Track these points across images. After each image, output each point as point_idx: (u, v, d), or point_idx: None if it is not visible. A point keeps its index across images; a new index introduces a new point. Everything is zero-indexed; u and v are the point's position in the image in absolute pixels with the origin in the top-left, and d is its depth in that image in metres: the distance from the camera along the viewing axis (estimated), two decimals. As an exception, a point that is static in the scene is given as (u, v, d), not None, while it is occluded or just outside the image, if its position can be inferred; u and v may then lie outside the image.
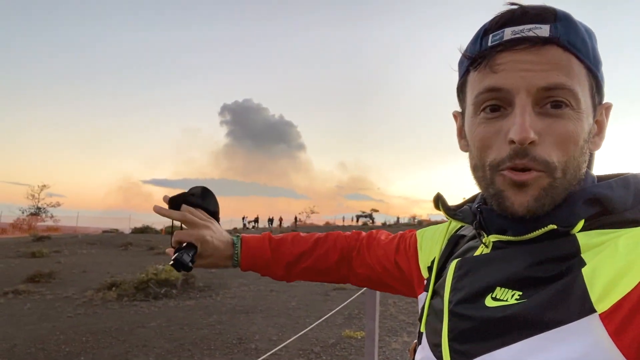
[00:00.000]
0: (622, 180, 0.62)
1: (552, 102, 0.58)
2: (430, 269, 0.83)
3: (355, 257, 1.06)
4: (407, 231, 1.02)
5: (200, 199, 0.98)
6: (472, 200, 0.79)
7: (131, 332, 6.20)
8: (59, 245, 17.50)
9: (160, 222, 31.98)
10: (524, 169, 0.58)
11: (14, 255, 14.84)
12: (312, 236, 1.09)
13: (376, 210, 72.52)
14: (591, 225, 0.59)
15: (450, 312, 0.64)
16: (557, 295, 0.53)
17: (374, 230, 1.10)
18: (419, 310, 0.79)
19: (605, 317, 0.48)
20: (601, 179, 0.66)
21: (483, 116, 0.62)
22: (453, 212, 0.75)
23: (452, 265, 0.69)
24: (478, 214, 0.69)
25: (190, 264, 0.90)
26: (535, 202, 0.58)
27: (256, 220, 53.95)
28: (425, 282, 0.85)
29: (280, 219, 58.10)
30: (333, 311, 4.16)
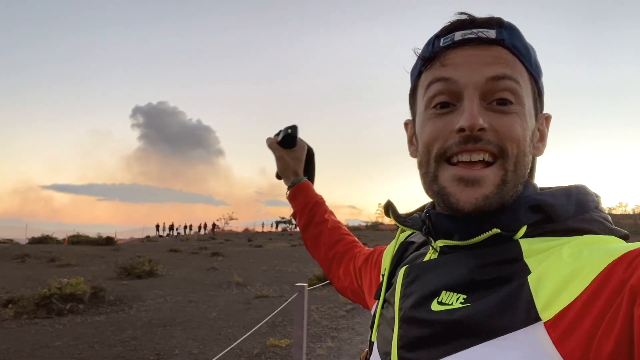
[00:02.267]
0: (564, 190, 0.64)
1: (498, 99, 0.61)
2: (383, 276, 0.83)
3: (345, 263, 1.11)
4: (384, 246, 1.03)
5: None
6: (422, 209, 0.80)
7: (33, 353, 5.62)
8: (-60, 259, 15.46)
9: (63, 231, 29.56)
10: (475, 160, 0.60)
11: None
12: (341, 226, 1.21)
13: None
14: (534, 232, 0.60)
15: (400, 319, 0.64)
16: (503, 303, 0.54)
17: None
18: (371, 318, 0.79)
19: (550, 326, 0.49)
20: (543, 190, 0.68)
21: (433, 112, 0.64)
22: (403, 219, 0.76)
23: (401, 272, 0.70)
24: (427, 220, 0.70)
25: (292, 137, 1.20)
26: (484, 201, 0.59)
27: (171, 228, 51.74)
28: (376, 290, 0.84)
29: (205, 225, 56.30)
30: (262, 322, 4.07)
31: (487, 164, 0.60)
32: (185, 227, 54.44)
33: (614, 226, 0.62)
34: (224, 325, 7.16)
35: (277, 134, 1.25)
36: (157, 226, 51.79)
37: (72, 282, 8.50)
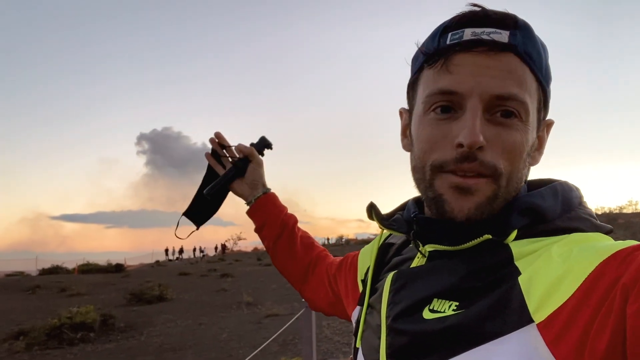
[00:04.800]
0: (551, 190, 0.63)
1: (502, 110, 0.58)
2: (364, 282, 0.81)
3: (318, 272, 1.07)
4: (356, 251, 1.00)
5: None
6: (402, 208, 0.78)
7: (44, 385, 5.61)
8: (-49, 295, 15.51)
9: (73, 261, 29.62)
10: (470, 175, 0.58)
11: None
12: (313, 244, 1.15)
13: (303, 233, 73.02)
14: (523, 235, 0.59)
15: (389, 327, 0.62)
16: (495, 306, 0.53)
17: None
18: (354, 325, 0.77)
19: (543, 327, 0.48)
20: (530, 184, 0.68)
21: (433, 116, 0.61)
22: (387, 222, 0.74)
23: (389, 279, 0.67)
24: (414, 224, 0.67)
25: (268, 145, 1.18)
26: (476, 210, 0.58)
27: (180, 251, 51.71)
28: (360, 296, 0.82)
29: (223, 246, 56.19)
30: (269, 340, 4.04)
31: (481, 175, 0.59)
32: (195, 249, 54.45)
33: (599, 222, 0.62)
34: (234, 346, 7.11)
35: (253, 144, 1.18)
36: (167, 250, 51.80)
37: (82, 311, 8.50)
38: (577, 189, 0.66)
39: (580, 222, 0.60)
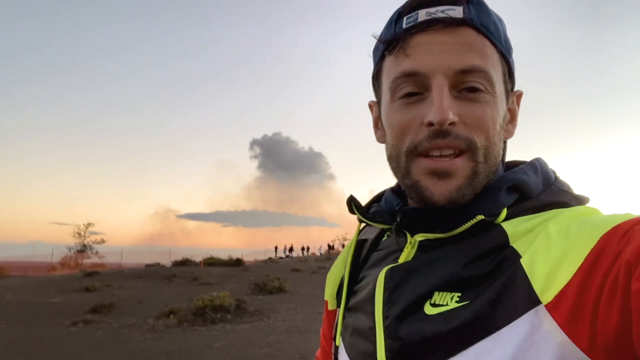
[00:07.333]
0: (531, 166, 0.63)
1: (468, 86, 0.57)
2: (338, 293, 0.78)
3: None
4: None
5: None
6: (377, 199, 0.77)
7: (200, 352, 6.70)
8: (107, 280, 18.11)
9: (198, 255, 32.81)
10: (446, 154, 0.57)
11: (69, 290, 15.56)
12: None
13: (408, 235, 72.06)
14: (512, 213, 0.58)
15: (387, 328, 0.58)
16: (501, 293, 0.51)
17: None
18: (334, 327, 0.75)
19: (552, 308, 0.47)
20: (508, 165, 0.68)
21: (400, 102, 0.60)
22: (371, 216, 0.71)
23: (381, 277, 0.63)
24: (399, 215, 0.65)
25: None
26: (458, 192, 0.57)
27: (290, 249, 54.23)
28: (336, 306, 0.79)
29: (329, 246, 57.86)
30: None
31: (457, 154, 0.58)
32: (303, 248, 56.72)
33: (577, 194, 0.63)
34: (354, 333, 7.71)
35: None
36: (276, 248, 54.72)
37: (220, 296, 9.74)
38: (549, 164, 0.66)
39: (561, 195, 0.61)
